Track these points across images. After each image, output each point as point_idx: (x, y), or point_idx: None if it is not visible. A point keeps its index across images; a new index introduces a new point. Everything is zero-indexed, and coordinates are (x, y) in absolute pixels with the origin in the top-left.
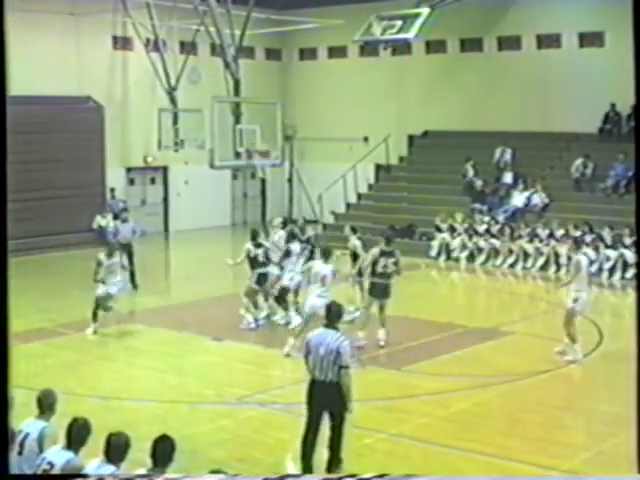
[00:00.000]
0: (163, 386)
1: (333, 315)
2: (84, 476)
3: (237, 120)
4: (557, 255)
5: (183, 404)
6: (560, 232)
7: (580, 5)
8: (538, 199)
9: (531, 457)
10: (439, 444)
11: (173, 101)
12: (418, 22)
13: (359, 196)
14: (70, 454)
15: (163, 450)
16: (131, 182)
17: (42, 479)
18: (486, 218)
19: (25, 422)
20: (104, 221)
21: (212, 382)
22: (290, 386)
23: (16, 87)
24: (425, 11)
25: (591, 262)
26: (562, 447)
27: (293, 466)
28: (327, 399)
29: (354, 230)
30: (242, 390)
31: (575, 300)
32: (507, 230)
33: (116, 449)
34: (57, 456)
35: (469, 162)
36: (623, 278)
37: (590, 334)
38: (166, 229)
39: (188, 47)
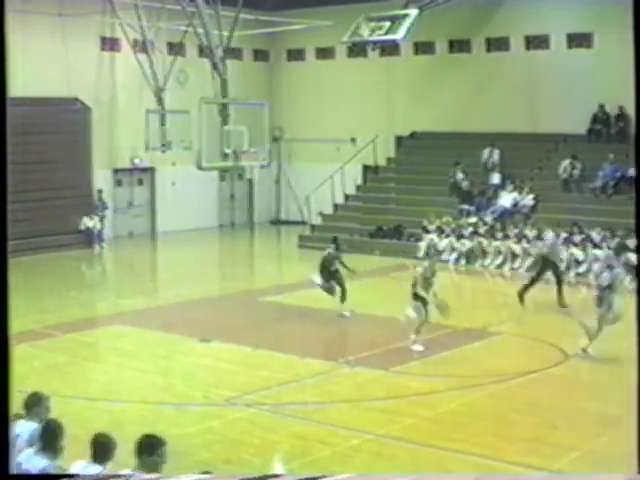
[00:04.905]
0: (150, 387)
1: None
2: (82, 476)
3: (224, 121)
4: None
5: (170, 405)
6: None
7: (568, 6)
8: (526, 200)
9: (520, 457)
10: (427, 445)
11: (161, 102)
12: (406, 23)
13: (347, 197)
14: (45, 461)
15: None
16: (118, 183)
17: (42, 479)
18: (474, 219)
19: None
20: (91, 222)
21: (199, 383)
22: (277, 387)
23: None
24: (413, 12)
25: (579, 262)
26: (551, 447)
27: (281, 467)
28: None
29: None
30: (229, 391)
31: None
32: (495, 231)
33: (102, 450)
34: (31, 462)
35: (458, 166)
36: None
37: (577, 334)
38: (153, 230)
39: (176, 48)
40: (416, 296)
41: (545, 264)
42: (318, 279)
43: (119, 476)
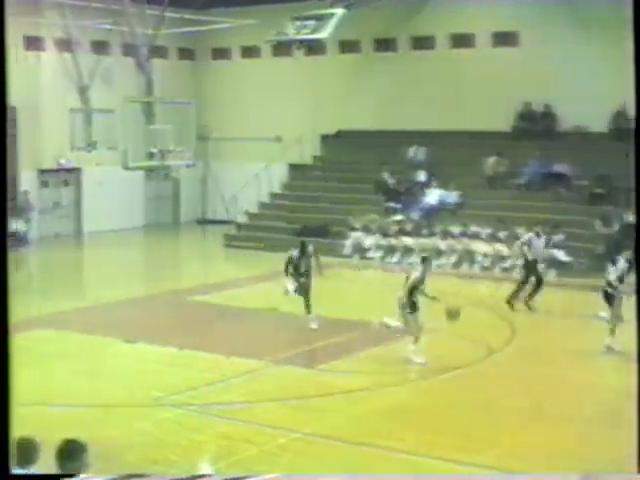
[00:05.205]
0: (76, 390)
1: None
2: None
3: (150, 120)
4: (470, 252)
5: (97, 407)
6: (473, 229)
7: (494, 5)
8: (452, 197)
9: (446, 453)
10: (354, 442)
11: (86, 102)
12: (332, 22)
13: (273, 195)
14: None
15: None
16: (44, 184)
17: (42, 479)
18: (400, 216)
19: None
20: (17, 224)
21: (126, 384)
22: (203, 387)
23: None
24: (339, 11)
25: (504, 258)
26: (477, 442)
27: (208, 467)
28: None
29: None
30: (156, 392)
31: None
32: (420, 228)
33: (24, 453)
34: None
35: (384, 165)
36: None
37: (502, 330)
38: (79, 231)
39: (101, 47)
40: (412, 304)
41: (527, 265)
42: (291, 287)
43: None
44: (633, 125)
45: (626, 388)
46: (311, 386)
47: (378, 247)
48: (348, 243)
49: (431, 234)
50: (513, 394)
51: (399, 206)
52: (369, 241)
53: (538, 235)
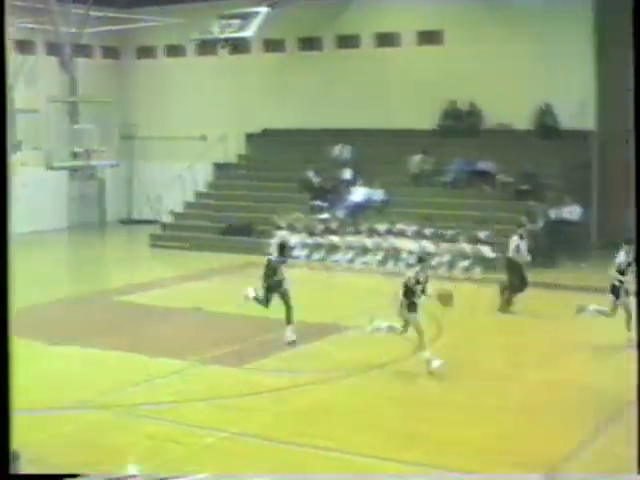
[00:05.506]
0: None
1: None
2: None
3: (74, 120)
4: (396, 249)
5: (22, 411)
6: (399, 227)
7: (418, 4)
8: (377, 194)
9: (374, 450)
10: (282, 441)
11: (9, 102)
12: (256, 21)
13: (198, 195)
14: None
15: None
16: None
17: (42, 479)
18: (326, 215)
19: None
20: None
21: (52, 387)
22: (130, 388)
23: None
24: (263, 10)
25: (430, 255)
26: (405, 439)
27: (134, 468)
28: None
29: None
30: (82, 394)
31: None
32: (346, 226)
33: None
34: None
35: (309, 163)
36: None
37: (428, 327)
38: None
39: (24, 46)
40: (409, 304)
41: (511, 267)
42: (252, 293)
43: (122, 477)
44: (633, 125)
45: (553, 382)
46: (238, 385)
47: (303, 246)
48: (273, 242)
49: (357, 232)
50: (440, 390)
51: (325, 204)
52: (294, 240)
53: (521, 237)
